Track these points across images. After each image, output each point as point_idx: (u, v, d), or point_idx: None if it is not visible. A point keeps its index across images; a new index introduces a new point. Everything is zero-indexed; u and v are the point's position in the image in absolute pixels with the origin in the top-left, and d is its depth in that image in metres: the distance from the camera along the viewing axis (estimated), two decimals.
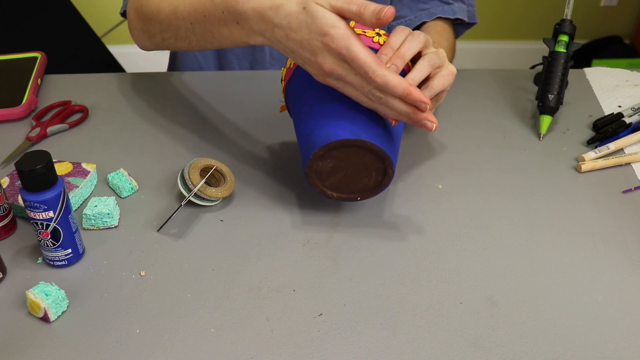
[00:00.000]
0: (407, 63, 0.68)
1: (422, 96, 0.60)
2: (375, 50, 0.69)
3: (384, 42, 0.70)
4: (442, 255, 0.66)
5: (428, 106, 0.61)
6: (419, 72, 0.68)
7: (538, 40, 2.44)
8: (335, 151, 0.64)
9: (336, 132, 0.63)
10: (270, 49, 1.02)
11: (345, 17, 0.60)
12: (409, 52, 0.68)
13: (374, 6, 0.59)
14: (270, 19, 0.62)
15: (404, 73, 0.70)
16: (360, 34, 0.69)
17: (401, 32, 0.70)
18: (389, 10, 0.58)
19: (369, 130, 0.64)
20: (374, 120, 0.65)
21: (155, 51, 0.89)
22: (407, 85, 0.60)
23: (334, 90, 0.66)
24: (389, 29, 0.95)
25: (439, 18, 0.96)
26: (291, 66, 0.73)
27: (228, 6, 0.66)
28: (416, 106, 0.62)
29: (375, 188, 0.67)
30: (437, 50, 0.70)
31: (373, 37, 0.70)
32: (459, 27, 1.00)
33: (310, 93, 0.68)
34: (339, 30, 0.59)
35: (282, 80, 0.76)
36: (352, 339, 0.58)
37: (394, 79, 0.59)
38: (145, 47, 0.88)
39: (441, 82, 0.69)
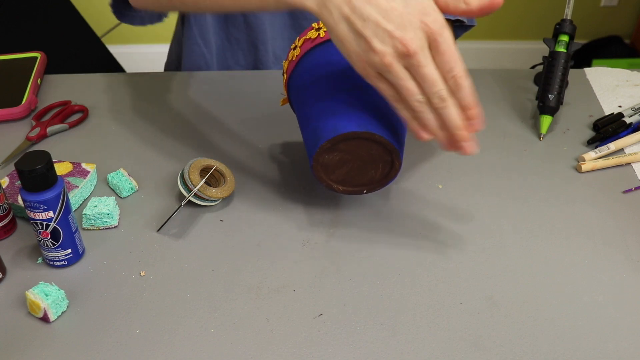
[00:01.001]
0: None
1: (480, 115, 0.57)
2: None
3: None
4: (442, 255, 0.66)
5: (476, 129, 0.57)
6: None
7: (538, 40, 2.44)
8: (343, 144, 0.63)
9: (343, 124, 0.63)
10: (273, 49, 1.02)
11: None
12: None
13: None
14: None
15: None
16: None
17: None
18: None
19: (376, 122, 0.63)
20: (381, 112, 0.64)
21: (150, 24, 0.87)
22: (474, 96, 0.56)
23: (340, 83, 0.65)
24: None
25: None
26: (294, 59, 0.72)
27: None
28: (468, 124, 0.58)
29: (381, 181, 0.67)
30: None
31: None
32: (458, 29, 1.00)
33: (315, 86, 0.68)
34: (441, 16, 0.55)
35: (283, 73, 0.76)
36: (352, 339, 0.58)
37: (469, 84, 0.56)
38: (137, 2, 0.77)
39: None
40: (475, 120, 0.57)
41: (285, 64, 0.75)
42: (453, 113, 0.57)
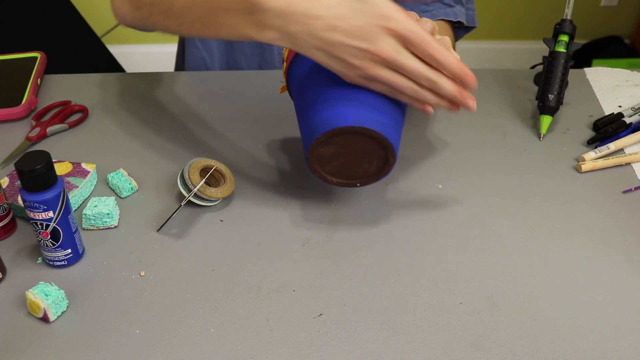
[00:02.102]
0: None
1: (470, 71, 0.62)
2: None
3: None
4: (442, 255, 0.66)
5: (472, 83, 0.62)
6: None
7: (538, 40, 2.44)
8: (338, 138, 0.64)
9: (339, 118, 0.63)
10: (279, 48, 1.01)
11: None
12: None
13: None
14: (306, 11, 0.58)
15: None
16: None
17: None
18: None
19: (372, 117, 0.63)
20: (378, 107, 0.64)
21: (139, 31, 0.83)
22: (459, 61, 0.60)
23: (338, 75, 0.66)
24: None
25: (440, 20, 0.96)
26: None
27: None
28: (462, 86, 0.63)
29: (375, 175, 0.67)
30: (442, 38, 0.70)
31: None
32: (458, 30, 1.00)
33: (313, 77, 0.68)
34: (402, 14, 0.58)
35: (284, 60, 0.75)
36: (352, 339, 0.58)
37: (450, 55, 0.60)
38: (125, 20, 0.79)
39: None
40: (469, 79, 0.61)
41: (285, 51, 0.75)
42: (446, 86, 0.62)
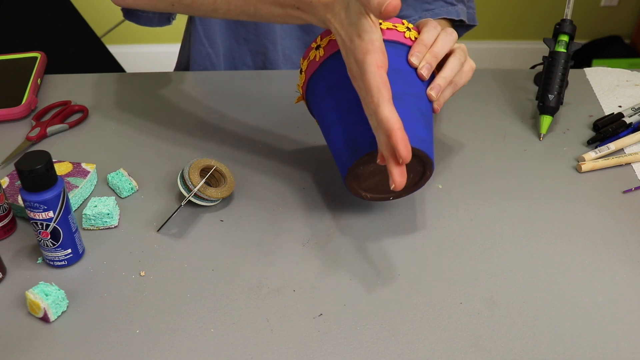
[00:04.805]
0: None
1: (403, 148, 0.55)
2: (407, 47, 0.68)
3: (415, 37, 0.69)
4: (442, 255, 0.66)
5: (404, 160, 0.56)
6: (450, 70, 0.69)
7: (538, 40, 2.44)
8: None
9: None
10: (282, 48, 1.01)
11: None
12: (442, 50, 0.68)
13: None
14: (331, 8, 0.58)
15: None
16: (391, 29, 0.68)
17: (433, 29, 0.69)
18: (390, 5, 0.52)
19: (413, 134, 0.61)
20: (416, 122, 0.63)
21: (159, 26, 0.83)
22: (395, 125, 0.55)
23: None
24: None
25: (442, 19, 0.96)
26: (316, 59, 0.69)
27: None
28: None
29: (410, 189, 0.67)
30: (460, 46, 0.70)
31: (404, 32, 0.68)
32: (458, 29, 1.00)
33: (344, 92, 0.65)
34: (363, 40, 0.56)
35: (301, 71, 0.72)
36: (352, 339, 0.58)
37: (385, 113, 0.55)
38: (125, 2, 0.77)
39: (464, 77, 0.70)
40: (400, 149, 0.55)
41: (304, 62, 0.71)
42: (380, 136, 0.58)
